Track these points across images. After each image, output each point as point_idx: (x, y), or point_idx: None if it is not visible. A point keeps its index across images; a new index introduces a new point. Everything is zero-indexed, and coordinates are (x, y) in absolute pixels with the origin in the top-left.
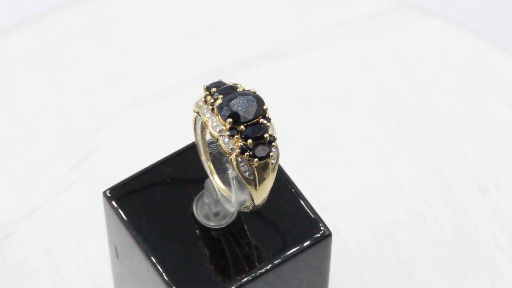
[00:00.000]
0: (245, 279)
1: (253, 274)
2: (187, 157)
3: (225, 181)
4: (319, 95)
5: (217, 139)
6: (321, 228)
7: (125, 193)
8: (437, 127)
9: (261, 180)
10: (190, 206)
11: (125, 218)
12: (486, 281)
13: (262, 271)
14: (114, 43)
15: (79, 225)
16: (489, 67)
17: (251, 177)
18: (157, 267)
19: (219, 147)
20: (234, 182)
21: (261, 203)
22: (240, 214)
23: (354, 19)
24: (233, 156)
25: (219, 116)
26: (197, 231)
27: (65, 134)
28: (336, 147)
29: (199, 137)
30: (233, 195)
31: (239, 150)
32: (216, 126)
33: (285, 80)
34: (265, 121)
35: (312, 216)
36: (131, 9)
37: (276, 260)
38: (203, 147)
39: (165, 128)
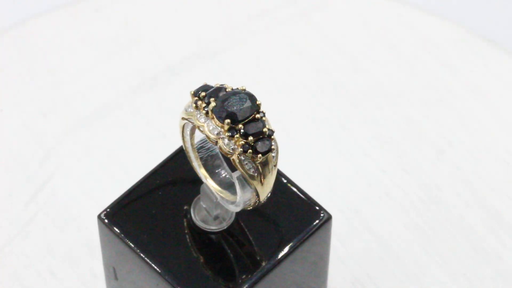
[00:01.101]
0: (254, 278)
1: (261, 272)
2: (172, 166)
3: (221, 183)
4: (257, 87)
5: (216, 142)
6: (321, 212)
7: (119, 213)
8: (379, 98)
9: (266, 174)
10: (187, 213)
11: (125, 238)
12: (459, 239)
13: (269, 266)
14: (44, 67)
15: (50, 256)
16: (417, 31)
17: (256, 174)
18: (168, 280)
19: (219, 150)
20: (238, 182)
21: (265, 199)
22: (236, 214)
23: (275, 5)
24: (235, 156)
25: (215, 118)
26: (200, 238)
27: (14, 168)
28: (287, 134)
29: (188, 144)
30: (238, 195)
31: (241, 149)
32: (214, 129)
33: (220, 76)
34: (261, 116)
35: (309, 202)
36: (54, 31)
37: (282, 253)
38: (194, 153)
39: (112, 145)
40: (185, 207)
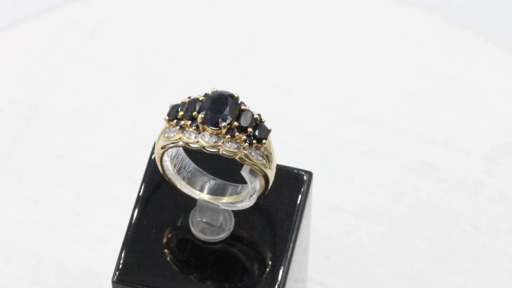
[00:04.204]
0: (283, 263)
1: (285, 255)
2: (148, 201)
3: (213, 192)
4: (95, 110)
5: (217, 149)
6: (303, 174)
7: (129, 269)
8: (196, 72)
9: (272, 157)
10: (188, 235)
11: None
12: (341, 153)
13: (289, 245)
14: None
15: None
16: None
17: (264, 161)
18: None
19: (223, 155)
20: (248, 176)
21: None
22: None
23: (57, 31)
24: (241, 154)
25: (209, 128)
26: (214, 251)
27: None
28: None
29: (169, 171)
30: (250, 188)
31: (247, 144)
32: (210, 138)
33: (56, 120)
34: (244, 106)
35: (286, 170)
36: None
37: (292, 225)
38: (177, 176)
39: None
40: (183, 232)
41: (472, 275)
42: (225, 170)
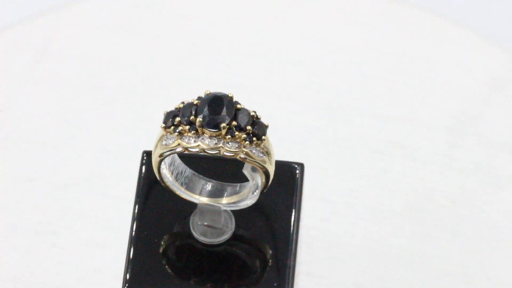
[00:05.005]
0: (288, 253)
1: (290, 244)
2: (146, 212)
3: (211, 194)
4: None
5: (218, 151)
6: (295, 166)
7: (138, 282)
8: (150, 78)
9: (271, 153)
10: (191, 240)
11: None
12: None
13: (293, 237)
14: None
15: None
16: None
17: (264, 157)
18: None
19: (224, 156)
20: (250, 174)
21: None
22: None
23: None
24: (242, 153)
25: (208, 130)
26: (220, 254)
27: None
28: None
29: (167, 178)
30: (253, 185)
31: (247, 142)
32: (211, 141)
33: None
34: (239, 105)
35: (278, 163)
36: None
37: (293, 218)
38: (176, 183)
39: None
40: (185, 238)
41: (454, 248)
42: (220, 171)
